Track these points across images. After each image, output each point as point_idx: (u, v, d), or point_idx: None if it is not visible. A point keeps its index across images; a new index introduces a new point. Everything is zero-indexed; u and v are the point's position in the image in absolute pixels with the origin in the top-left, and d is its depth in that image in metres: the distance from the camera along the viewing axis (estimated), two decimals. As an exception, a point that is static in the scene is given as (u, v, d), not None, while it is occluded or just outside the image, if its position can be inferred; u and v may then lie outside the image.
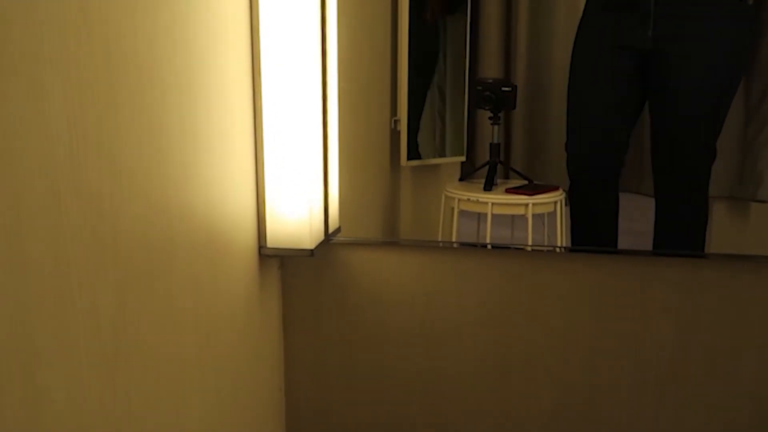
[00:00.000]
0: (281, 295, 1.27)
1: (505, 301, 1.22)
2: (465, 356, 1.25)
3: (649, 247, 1.16)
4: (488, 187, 1.22)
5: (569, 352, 1.22)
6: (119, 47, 0.67)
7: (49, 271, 0.58)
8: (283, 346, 1.29)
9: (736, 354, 1.16)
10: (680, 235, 1.17)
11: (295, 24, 1.00)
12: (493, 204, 1.22)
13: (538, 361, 1.23)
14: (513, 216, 1.23)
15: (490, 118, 1.19)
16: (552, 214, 1.21)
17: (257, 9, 1.00)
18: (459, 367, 1.26)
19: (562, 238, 1.20)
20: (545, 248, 1.21)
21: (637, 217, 1.19)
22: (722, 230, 1.14)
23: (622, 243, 1.17)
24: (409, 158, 1.23)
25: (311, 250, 1.07)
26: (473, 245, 1.22)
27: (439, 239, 1.24)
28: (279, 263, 1.25)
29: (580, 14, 1.13)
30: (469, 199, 1.23)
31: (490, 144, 1.20)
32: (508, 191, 1.21)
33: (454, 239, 1.24)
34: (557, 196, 1.20)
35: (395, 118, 1.21)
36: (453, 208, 1.24)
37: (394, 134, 1.22)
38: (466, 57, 1.19)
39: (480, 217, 1.23)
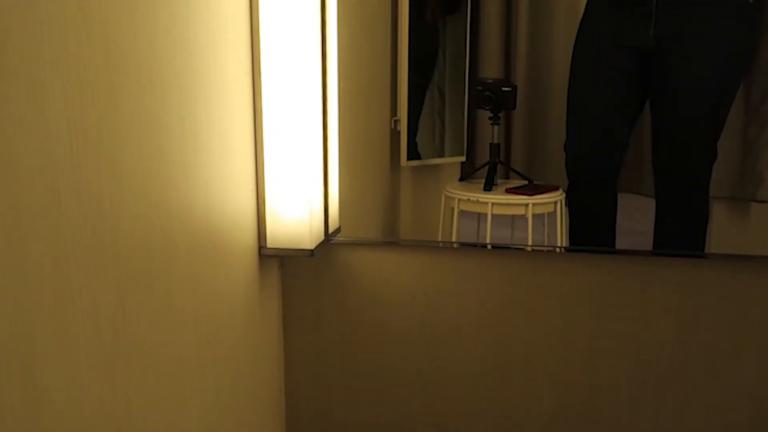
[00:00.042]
0: (281, 295, 1.27)
1: (505, 301, 1.22)
2: (465, 356, 1.25)
3: (649, 247, 1.16)
4: (488, 187, 1.22)
5: (569, 352, 1.22)
6: (119, 47, 0.67)
7: (49, 271, 0.58)
8: (283, 346, 1.29)
9: (736, 354, 1.16)
10: (680, 235, 1.17)
11: (295, 24, 1.00)
12: (493, 204, 1.22)
13: (538, 361, 1.23)
14: (513, 216, 1.23)
15: (490, 118, 1.19)
16: (552, 214, 1.21)
17: (257, 9, 1.00)
18: (459, 367, 1.26)
19: (562, 238, 1.20)
20: (545, 248, 1.21)
21: (637, 217, 1.19)
22: (722, 230, 1.14)
23: (623, 243, 1.17)
24: (409, 158, 1.23)
25: (311, 250, 1.07)
26: (473, 245, 1.22)
27: (439, 239, 1.24)
28: (279, 263, 1.25)
29: (580, 14, 1.13)
30: (469, 199, 1.23)
31: (490, 144, 1.20)
32: (508, 191, 1.21)
33: (454, 239, 1.24)
34: (557, 196, 1.20)
35: (395, 118, 1.21)
36: (453, 208, 1.24)
37: (394, 134, 1.22)
38: (466, 57, 1.19)
39: (480, 217, 1.23)
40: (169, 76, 0.77)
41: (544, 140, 1.20)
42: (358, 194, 1.23)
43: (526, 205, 1.21)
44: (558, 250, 1.21)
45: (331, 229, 1.17)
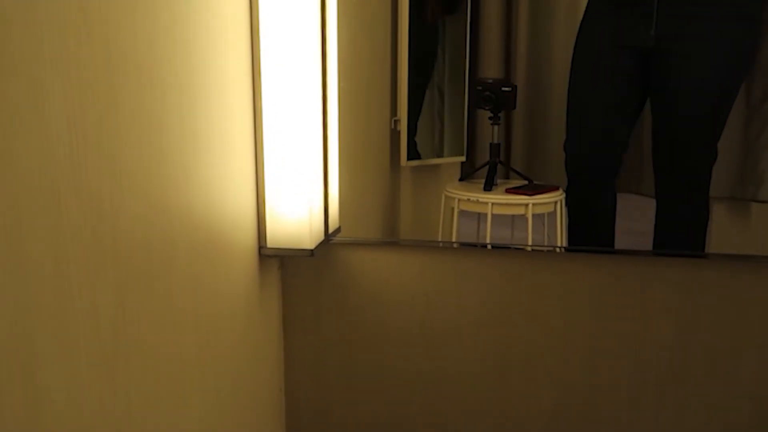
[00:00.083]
0: (281, 295, 1.27)
1: (505, 301, 1.22)
2: (465, 356, 1.25)
3: (649, 247, 1.16)
4: (488, 187, 1.22)
5: (569, 352, 1.22)
6: (119, 47, 0.67)
7: (49, 271, 0.58)
8: (283, 346, 1.29)
9: (736, 354, 1.16)
10: (680, 235, 1.17)
11: (295, 24, 1.00)
12: (493, 204, 1.22)
13: (538, 361, 1.23)
14: (513, 216, 1.23)
15: (490, 118, 1.19)
16: (552, 214, 1.21)
17: (257, 9, 1.00)
18: (459, 367, 1.26)
19: (562, 238, 1.20)
20: (545, 248, 1.21)
21: (637, 217, 1.19)
22: (722, 230, 1.14)
23: (623, 243, 1.17)
24: (409, 158, 1.23)
25: (311, 250, 1.07)
26: (473, 245, 1.22)
27: (439, 239, 1.24)
28: (279, 263, 1.25)
29: (580, 14, 1.13)
30: (469, 199, 1.23)
31: (490, 144, 1.20)
32: (508, 191, 1.21)
33: (454, 239, 1.24)
34: (557, 196, 1.20)
35: (395, 118, 1.21)
36: (453, 208, 1.24)
37: (394, 134, 1.22)
38: (466, 57, 1.19)
39: (480, 217, 1.23)
40: (169, 76, 0.77)
41: (544, 140, 1.20)
42: (358, 194, 1.23)
43: (526, 205, 1.21)
44: (558, 250, 1.21)
45: (331, 229, 1.17)
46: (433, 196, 1.24)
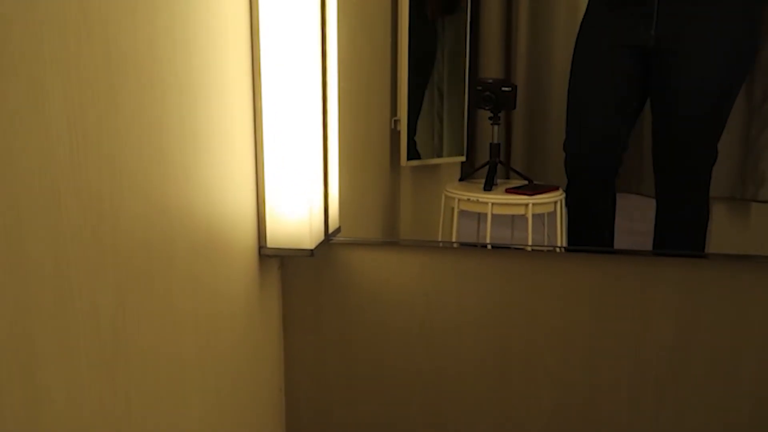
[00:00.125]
0: (281, 295, 1.27)
1: (505, 301, 1.22)
2: (465, 356, 1.25)
3: (649, 247, 1.16)
4: (488, 187, 1.22)
5: (569, 352, 1.22)
6: (119, 47, 0.67)
7: (49, 271, 0.58)
8: (283, 346, 1.29)
9: (736, 354, 1.16)
10: (681, 235, 1.17)
11: (295, 24, 1.00)
12: (493, 204, 1.22)
13: (538, 361, 1.23)
14: (513, 216, 1.23)
15: (490, 118, 1.19)
16: (552, 214, 1.21)
17: (257, 9, 1.00)
18: (459, 367, 1.26)
19: (561, 238, 1.20)
20: (545, 248, 1.21)
21: (637, 217, 1.19)
22: (722, 230, 1.14)
23: (623, 243, 1.17)
24: (409, 158, 1.23)
25: (311, 250, 1.07)
26: (473, 245, 1.22)
27: (439, 239, 1.23)
28: (279, 263, 1.25)
29: (581, 14, 1.13)
30: (469, 199, 1.23)
31: (490, 144, 1.20)
32: (508, 191, 1.21)
33: (454, 239, 1.24)
34: (557, 196, 1.20)
35: (395, 118, 1.21)
36: (453, 208, 1.24)
37: (394, 134, 1.22)
38: (466, 57, 1.19)
39: (480, 217, 1.23)
40: (169, 76, 0.77)
41: (544, 140, 1.20)
42: (358, 194, 1.23)
43: (526, 205, 1.21)
44: (558, 250, 1.20)
45: (331, 229, 1.17)
46: (433, 196, 1.24)
